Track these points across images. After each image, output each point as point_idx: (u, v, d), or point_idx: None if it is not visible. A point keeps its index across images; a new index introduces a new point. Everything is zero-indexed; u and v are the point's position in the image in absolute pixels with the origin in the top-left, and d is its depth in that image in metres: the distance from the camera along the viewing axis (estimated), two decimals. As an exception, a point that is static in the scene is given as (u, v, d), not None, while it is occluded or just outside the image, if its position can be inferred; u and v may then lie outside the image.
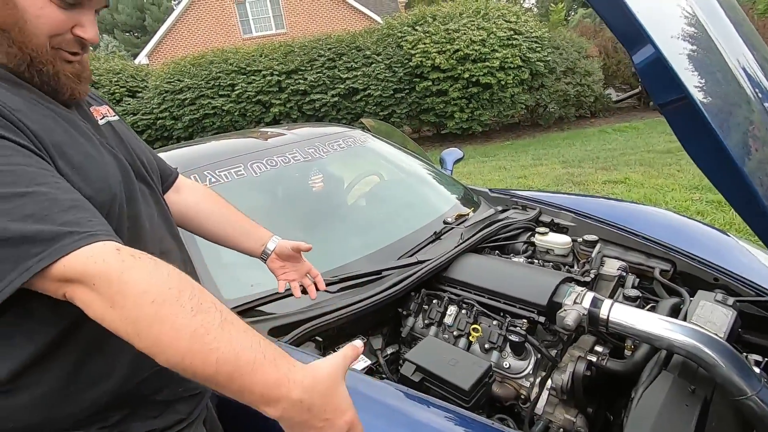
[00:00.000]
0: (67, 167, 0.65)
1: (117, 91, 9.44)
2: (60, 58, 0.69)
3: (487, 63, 8.42)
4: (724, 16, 0.86)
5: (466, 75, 8.49)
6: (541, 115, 9.89)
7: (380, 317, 1.35)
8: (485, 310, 1.27)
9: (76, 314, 0.57)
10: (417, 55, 8.62)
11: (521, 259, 1.53)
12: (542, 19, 13.02)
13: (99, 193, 0.67)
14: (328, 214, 1.90)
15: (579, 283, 1.27)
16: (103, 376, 0.70)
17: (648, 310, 1.21)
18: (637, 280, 1.44)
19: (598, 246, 1.52)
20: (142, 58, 15.96)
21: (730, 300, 1.13)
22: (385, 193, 2.18)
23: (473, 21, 8.72)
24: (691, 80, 0.72)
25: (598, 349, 1.18)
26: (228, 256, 1.18)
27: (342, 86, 9.14)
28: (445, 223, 1.70)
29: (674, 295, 1.32)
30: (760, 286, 1.31)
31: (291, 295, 1.14)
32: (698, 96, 0.71)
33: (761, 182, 0.76)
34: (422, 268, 1.36)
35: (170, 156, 1.73)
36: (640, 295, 1.28)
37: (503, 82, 8.62)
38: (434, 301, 1.35)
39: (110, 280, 0.54)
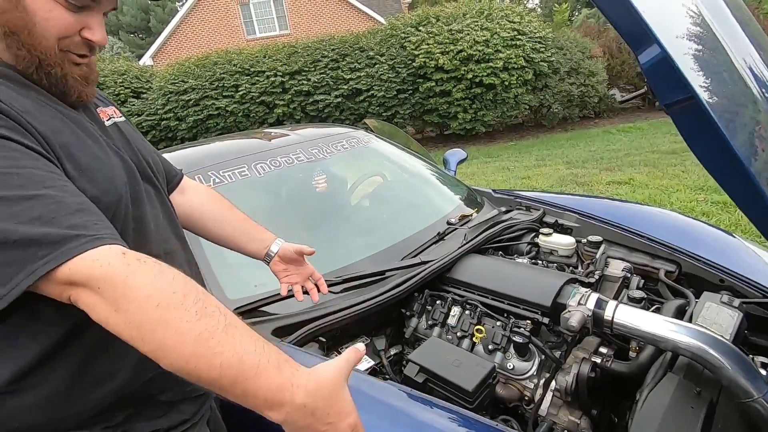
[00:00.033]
0: (74, 169, 0.65)
1: (122, 92, 9.49)
2: (68, 61, 0.70)
3: (490, 63, 8.40)
4: (730, 15, 0.86)
5: (470, 75, 8.47)
6: (544, 115, 9.86)
7: (384, 318, 1.35)
8: (489, 311, 1.26)
9: (81, 316, 0.57)
10: (420, 56, 8.61)
11: (525, 260, 1.52)
12: (546, 19, 12.97)
13: (105, 194, 0.68)
14: (331, 214, 1.90)
15: (583, 284, 1.27)
16: (108, 376, 0.70)
17: (653, 311, 1.20)
18: (642, 281, 1.44)
19: (602, 247, 1.51)
20: (146, 60, 16.05)
21: (736, 301, 1.12)
22: (388, 194, 2.17)
23: (476, 21, 8.71)
24: (698, 80, 0.72)
25: (603, 350, 1.17)
26: (232, 256, 1.18)
27: (345, 87, 9.15)
28: (448, 223, 1.70)
29: (679, 297, 1.32)
30: (766, 287, 1.30)
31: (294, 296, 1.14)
32: (704, 96, 0.71)
33: (768, 183, 0.76)
34: (426, 269, 1.36)
35: (174, 157, 1.73)
36: (645, 296, 1.27)
37: (507, 83, 8.60)
38: (438, 302, 1.35)
39: (115, 283, 0.54)
